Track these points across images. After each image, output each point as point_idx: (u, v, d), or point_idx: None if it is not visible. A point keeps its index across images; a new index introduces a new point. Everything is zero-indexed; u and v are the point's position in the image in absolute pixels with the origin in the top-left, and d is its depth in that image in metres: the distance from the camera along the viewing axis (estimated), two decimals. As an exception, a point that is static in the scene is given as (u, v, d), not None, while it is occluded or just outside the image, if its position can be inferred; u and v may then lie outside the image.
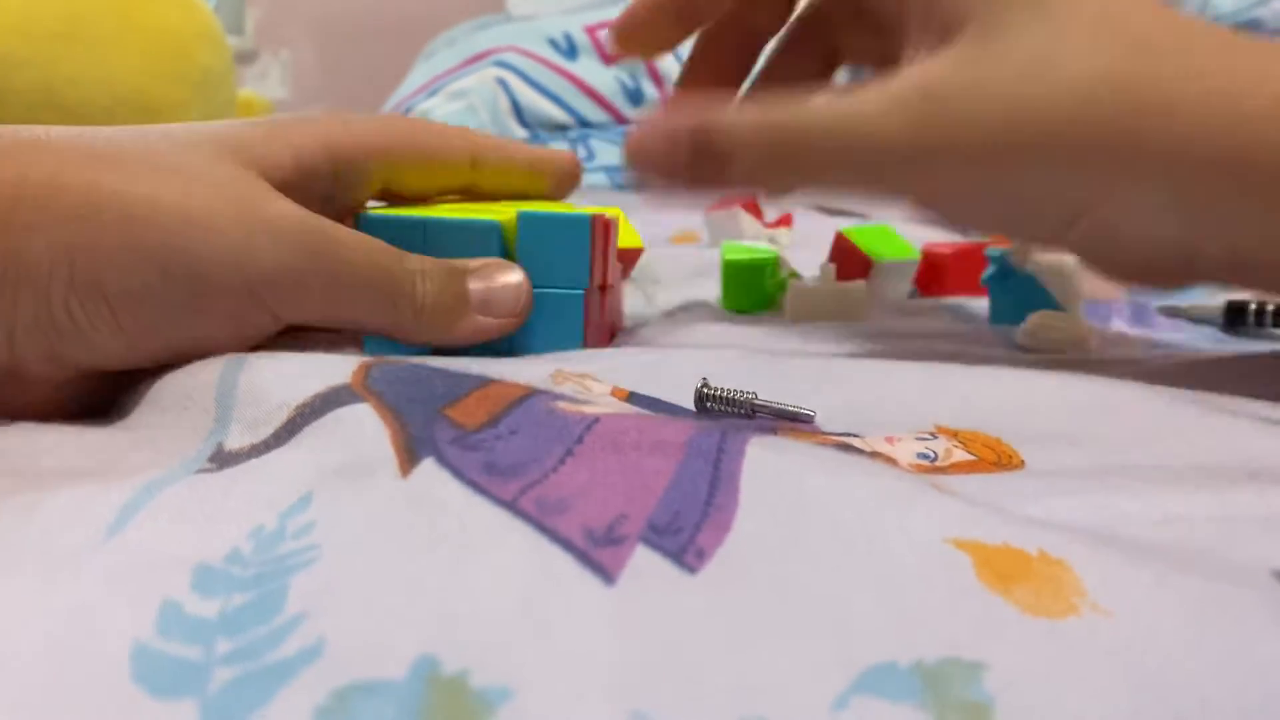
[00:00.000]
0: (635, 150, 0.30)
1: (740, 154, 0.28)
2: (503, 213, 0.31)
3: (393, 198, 0.32)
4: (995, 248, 0.39)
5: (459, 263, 0.29)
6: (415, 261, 0.28)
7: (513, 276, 0.29)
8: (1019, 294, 0.38)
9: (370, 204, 0.32)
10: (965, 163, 0.26)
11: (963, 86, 0.26)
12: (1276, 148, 0.24)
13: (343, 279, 0.26)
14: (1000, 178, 0.27)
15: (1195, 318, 0.39)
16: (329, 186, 0.29)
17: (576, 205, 0.33)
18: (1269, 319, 0.37)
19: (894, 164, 0.27)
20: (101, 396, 0.26)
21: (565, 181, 0.35)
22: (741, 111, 0.29)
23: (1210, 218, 0.26)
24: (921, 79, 0.27)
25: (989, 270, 0.38)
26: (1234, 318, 0.38)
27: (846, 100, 0.28)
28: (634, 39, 0.34)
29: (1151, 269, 0.28)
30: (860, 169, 0.28)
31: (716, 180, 0.29)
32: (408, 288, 0.28)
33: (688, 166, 0.29)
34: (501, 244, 0.30)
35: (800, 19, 0.34)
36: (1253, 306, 0.37)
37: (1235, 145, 0.25)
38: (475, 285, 0.29)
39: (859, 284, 0.39)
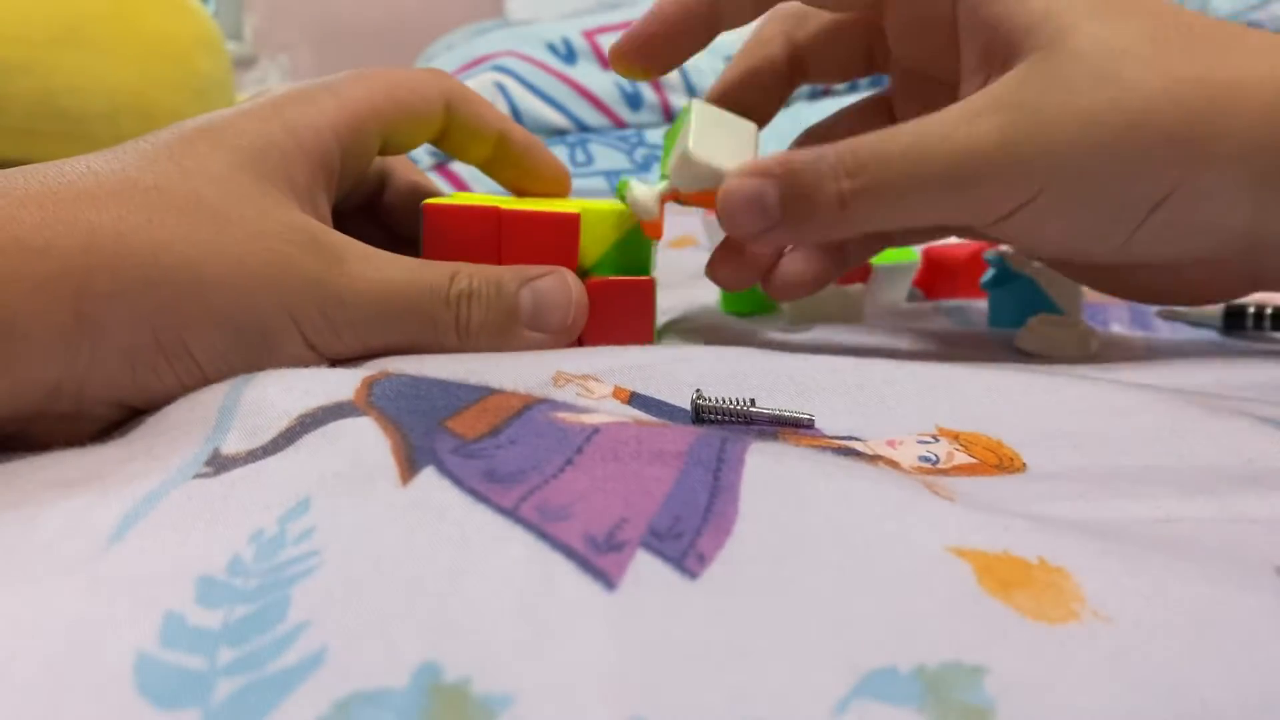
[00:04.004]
0: (724, 206, 0.29)
1: (827, 186, 0.28)
2: (569, 205, 0.31)
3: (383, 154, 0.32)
4: (995, 252, 0.39)
5: (518, 271, 0.29)
6: (465, 280, 0.28)
7: (568, 292, 0.29)
8: (1019, 297, 0.38)
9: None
10: (1050, 162, 0.27)
11: (1042, 93, 0.27)
12: None
13: (388, 317, 0.27)
14: (1081, 173, 0.27)
15: (1194, 321, 0.39)
16: (338, 165, 0.29)
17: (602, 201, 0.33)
18: (1267, 322, 0.37)
19: (981, 175, 0.28)
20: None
21: (556, 188, 0.35)
22: (823, 147, 0.29)
23: (1277, 203, 0.27)
24: (998, 94, 0.28)
25: (988, 274, 0.38)
26: (1232, 321, 0.38)
27: (927, 119, 0.28)
28: (647, 52, 0.34)
29: (1217, 264, 0.30)
30: (948, 184, 0.28)
31: (808, 218, 0.29)
32: (447, 321, 0.28)
33: (779, 210, 0.29)
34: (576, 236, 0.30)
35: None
36: (1251, 310, 0.37)
37: None
38: (527, 298, 0.29)
39: (858, 286, 0.39)
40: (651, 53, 0.33)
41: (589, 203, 0.32)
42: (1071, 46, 0.27)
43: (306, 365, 0.26)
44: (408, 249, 0.29)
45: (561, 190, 0.35)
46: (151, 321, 0.23)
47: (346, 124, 0.29)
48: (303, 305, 0.25)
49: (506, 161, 0.34)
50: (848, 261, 0.35)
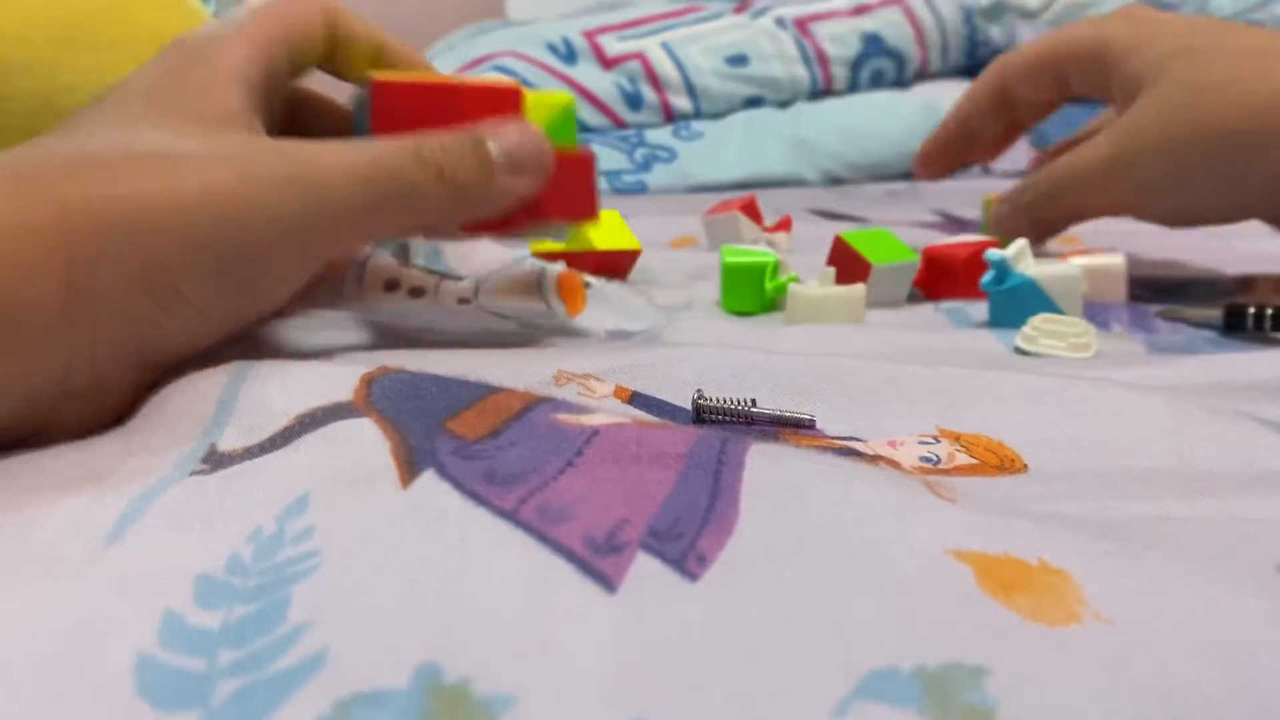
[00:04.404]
0: (995, 221, 0.49)
1: (1022, 197, 0.47)
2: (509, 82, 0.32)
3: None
4: (994, 251, 0.39)
5: (472, 129, 0.29)
6: (432, 144, 0.28)
7: (529, 131, 0.30)
8: (1019, 298, 0.37)
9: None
10: (1149, 159, 0.42)
11: (1142, 119, 0.42)
12: None
13: (371, 193, 0.27)
14: (1180, 162, 0.41)
15: (1194, 321, 0.39)
16: (262, 91, 0.30)
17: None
18: (1268, 322, 0.37)
19: (1103, 172, 0.43)
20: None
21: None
22: (1026, 179, 0.47)
23: None
24: (1114, 125, 0.43)
25: (988, 274, 0.38)
26: (1233, 321, 0.38)
27: (1078, 150, 0.44)
28: (937, 165, 0.54)
29: None
30: (1083, 182, 0.44)
31: (1023, 221, 0.47)
32: (429, 181, 0.28)
33: (1007, 220, 0.48)
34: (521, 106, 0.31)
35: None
36: (1251, 311, 0.37)
37: None
38: (496, 149, 0.29)
39: (858, 287, 0.39)
40: (941, 163, 0.54)
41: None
42: (1164, 85, 0.41)
43: (302, 275, 0.26)
44: None
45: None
46: (140, 276, 0.23)
47: (259, 52, 0.29)
48: (281, 207, 0.25)
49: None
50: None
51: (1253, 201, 0.41)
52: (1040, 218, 0.47)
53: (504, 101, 0.31)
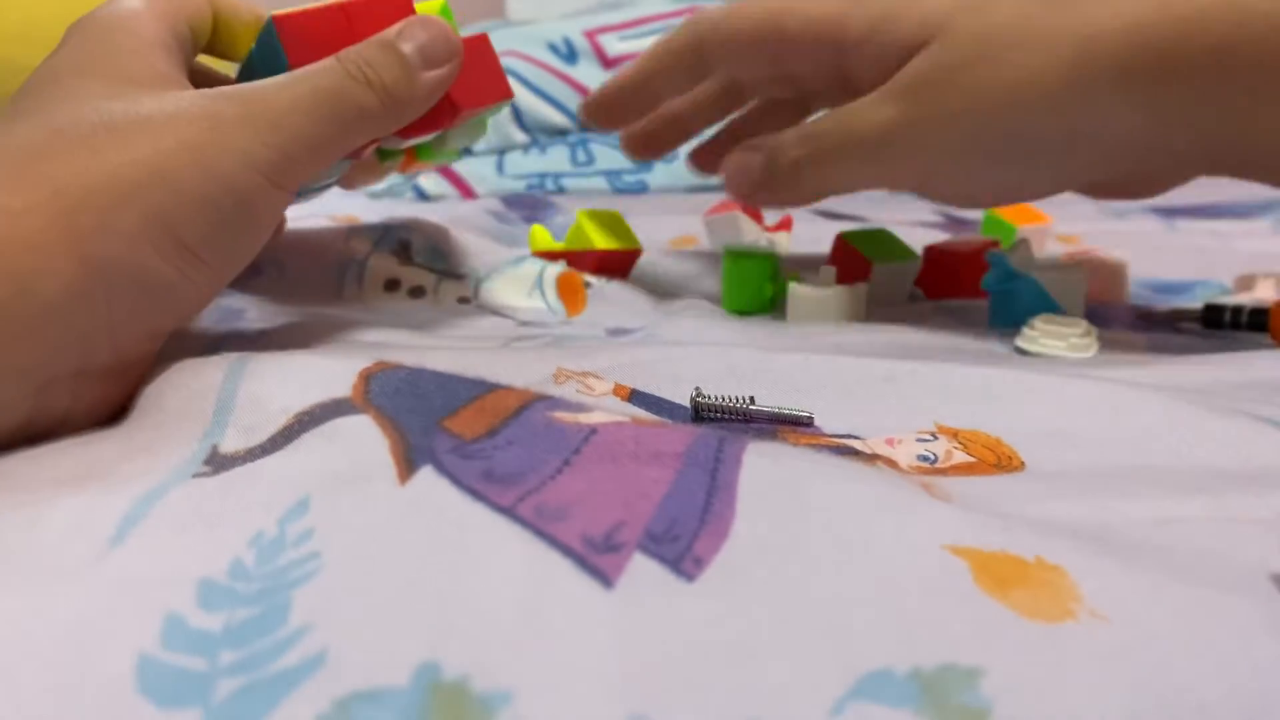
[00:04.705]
0: (728, 173, 0.39)
1: (788, 152, 0.37)
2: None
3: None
4: (996, 251, 0.39)
5: (381, 36, 0.30)
6: (353, 58, 0.29)
7: (433, 24, 0.31)
8: (1021, 298, 0.37)
9: None
10: (951, 126, 0.33)
11: (934, 77, 0.34)
12: (1198, 39, 0.30)
13: (314, 112, 0.28)
14: (983, 131, 0.33)
15: (1174, 320, 0.39)
16: (180, 53, 0.31)
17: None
18: (1245, 317, 0.37)
19: (893, 141, 0.34)
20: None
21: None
22: (786, 132, 0.38)
23: (1167, 110, 0.31)
24: (896, 82, 0.34)
25: (990, 274, 0.38)
26: (1211, 319, 0.38)
27: (847, 106, 0.36)
28: (603, 115, 0.43)
29: (1140, 179, 0.36)
30: (866, 152, 0.35)
31: (776, 180, 0.38)
32: (363, 92, 0.29)
33: (762, 179, 0.38)
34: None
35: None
36: (1229, 308, 0.38)
37: (1173, 42, 0.30)
38: (408, 47, 0.30)
39: (860, 286, 0.39)
40: (612, 116, 0.43)
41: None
42: (950, 38, 0.33)
43: (280, 208, 0.28)
44: None
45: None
46: (144, 234, 0.24)
47: (169, 24, 0.31)
48: (251, 148, 0.26)
49: None
50: None
51: (1062, 171, 0.35)
52: (802, 185, 0.38)
53: (397, 7, 0.32)
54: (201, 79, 0.35)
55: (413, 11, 0.32)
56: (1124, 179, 0.36)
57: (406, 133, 0.32)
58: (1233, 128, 0.32)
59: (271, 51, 0.32)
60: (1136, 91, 0.31)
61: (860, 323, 0.38)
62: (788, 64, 0.38)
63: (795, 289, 0.38)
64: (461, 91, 0.33)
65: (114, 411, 0.25)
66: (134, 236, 0.24)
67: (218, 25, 0.34)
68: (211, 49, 0.34)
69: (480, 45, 0.34)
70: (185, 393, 0.23)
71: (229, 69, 0.36)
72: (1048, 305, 0.37)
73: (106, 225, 0.24)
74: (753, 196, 0.39)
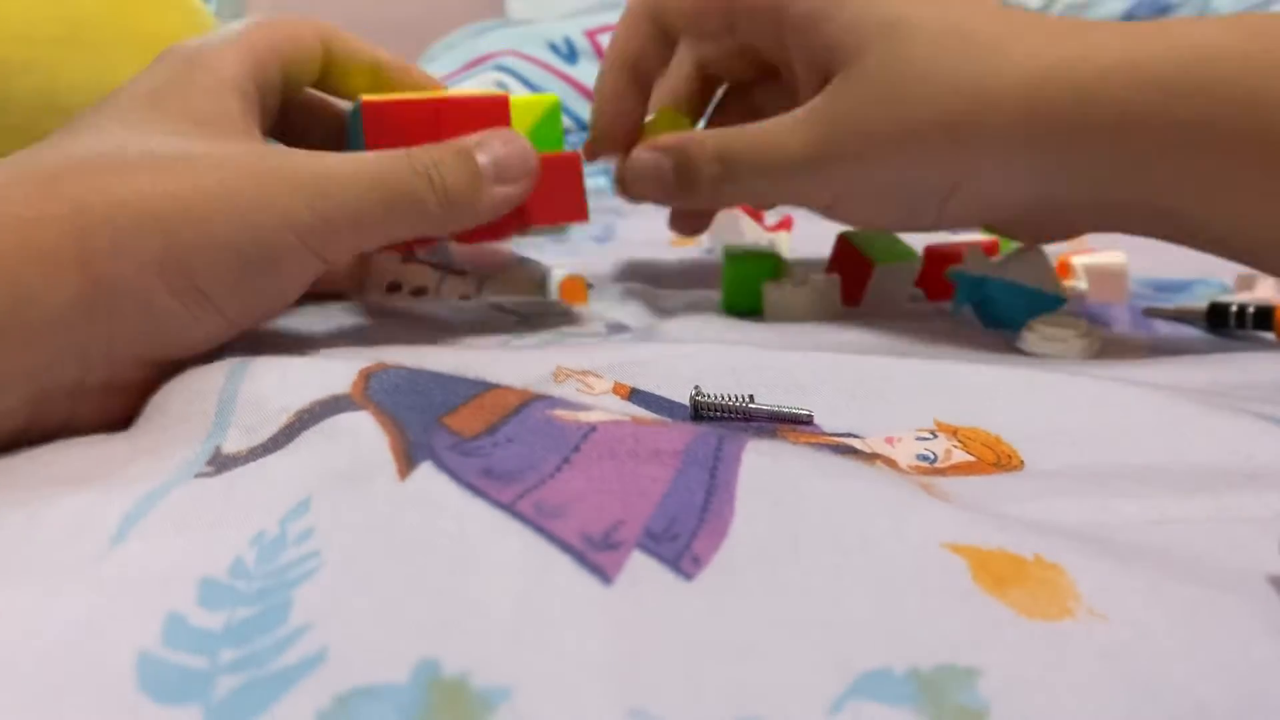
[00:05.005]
0: (629, 174, 0.38)
1: (704, 169, 0.36)
2: (489, 91, 0.33)
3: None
4: (954, 268, 0.38)
5: (460, 142, 0.30)
6: (423, 156, 0.29)
7: (515, 141, 0.31)
8: (999, 299, 0.37)
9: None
10: (850, 165, 0.34)
11: (841, 112, 0.34)
12: (1098, 104, 0.30)
13: (370, 198, 0.28)
14: (876, 173, 0.34)
15: (1180, 319, 0.39)
16: (258, 100, 0.31)
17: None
18: (1250, 320, 0.37)
19: (798, 171, 0.35)
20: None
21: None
22: (704, 136, 0.36)
23: (1054, 173, 0.32)
24: (812, 109, 0.34)
25: (958, 293, 0.38)
26: (1216, 319, 0.38)
27: (769, 126, 0.35)
28: (608, 141, 0.40)
29: (1026, 225, 0.36)
30: (776, 176, 0.35)
31: (692, 191, 0.36)
32: (424, 189, 0.29)
33: (674, 182, 0.37)
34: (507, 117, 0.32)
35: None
36: (1234, 309, 0.38)
37: (1071, 106, 0.30)
38: (483, 159, 0.30)
39: (832, 280, 0.39)
40: (616, 141, 0.40)
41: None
42: (861, 69, 0.33)
43: (310, 275, 0.27)
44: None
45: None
46: (158, 268, 0.24)
47: (257, 62, 0.30)
48: (293, 208, 0.26)
49: (386, 88, 0.35)
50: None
51: (944, 214, 0.34)
52: (719, 200, 0.38)
53: (491, 111, 0.32)
54: (308, 112, 0.35)
55: (506, 118, 0.32)
56: (1009, 224, 0.36)
57: (466, 238, 0.32)
58: (1124, 191, 0.32)
59: (356, 129, 0.32)
60: (1029, 152, 0.31)
61: (860, 323, 0.38)
62: (742, 32, 0.38)
63: (767, 287, 0.39)
64: (535, 205, 0.33)
65: (114, 425, 0.25)
66: (146, 266, 0.24)
67: (332, 63, 0.33)
68: (324, 86, 0.34)
69: (567, 163, 0.34)
70: (188, 396, 0.23)
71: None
72: (1026, 294, 0.37)
73: (120, 249, 0.23)
74: (667, 201, 0.39)
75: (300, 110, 0.35)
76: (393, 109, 0.31)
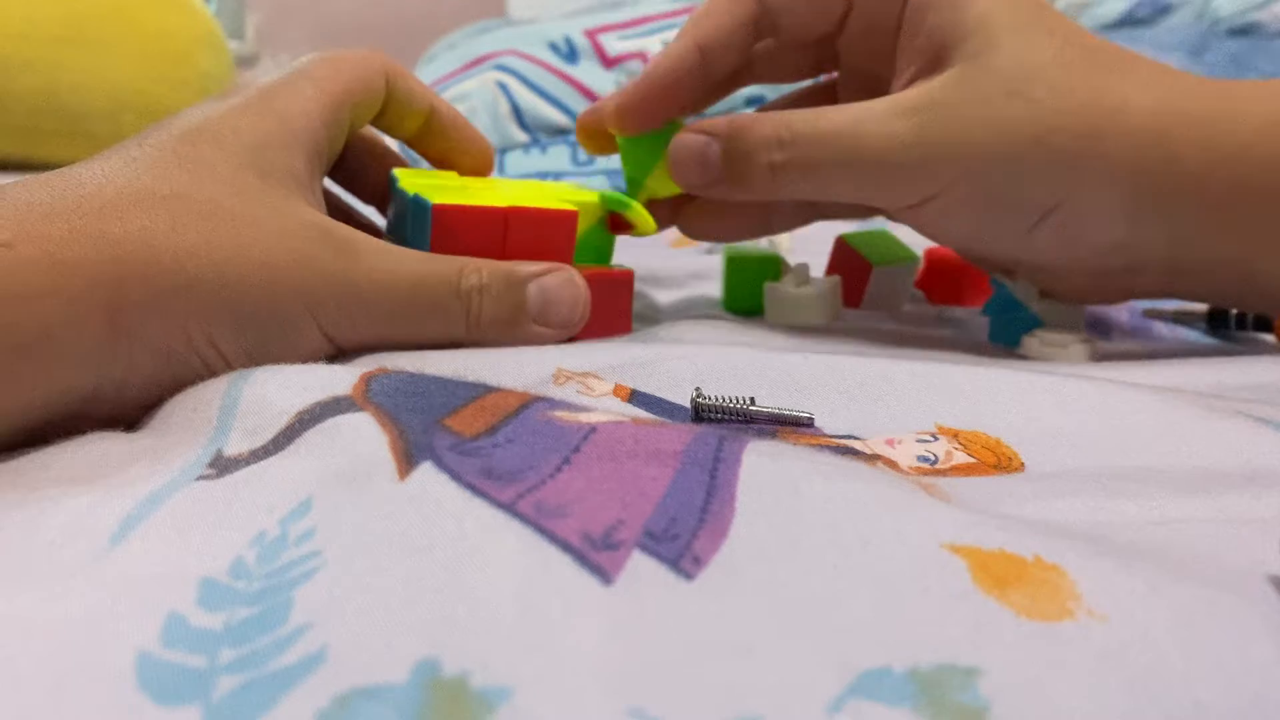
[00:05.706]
0: (674, 157, 0.34)
1: (760, 156, 0.32)
2: (562, 199, 0.32)
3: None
4: (1001, 277, 0.38)
5: (525, 267, 0.30)
6: (474, 276, 0.29)
7: (574, 288, 0.30)
8: (1019, 329, 0.37)
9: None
10: (957, 164, 0.31)
11: (960, 101, 0.30)
12: (1202, 160, 0.29)
13: (402, 308, 0.28)
14: (980, 175, 0.31)
15: (1180, 320, 0.39)
16: (326, 150, 0.30)
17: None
18: (1249, 323, 0.37)
19: (896, 166, 0.31)
20: None
21: (481, 163, 0.37)
22: (764, 116, 0.33)
23: (1150, 220, 0.30)
24: (922, 95, 0.31)
25: (992, 299, 0.38)
26: (1216, 320, 0.38)
27: (858, 108, 0.32)
28: (644, 112, 0.35)
29: (1100, 272, 0.33)
30: (860, 167, 0.31)
31: (743, 181, 0.33)
32: (458, 312, 0.29)
33: (723, 170, 0.33)
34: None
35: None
36: (1234, 311, 0.38)
37: (1170, 156, 0.29)
38: (534, 292, 0.30)
39: (833, 281, 0.39)
40: (649, 115, 0.35)
41: (562, 192, 0.34)
42: (992, 60, 0.30)
43: (322, 354, 0.27)
44: (370, 203, 0.32)
45: (485, 164, 0.36)
46: (183, 324, 0.24)
47: (329, 108, 0.30)
48: (322, 299, 0.26)
49: (434, 136, 0.35)
50: (771, 227, 0.39)
51: (1041, 241, 0.32)
52: (776, 190, 0.33)
53: (560, 224, 0.31)
54: (364, 149, 0.35)
55: (573, 232, 0.32)
56: (1075, 271, 0.33)
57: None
58: (1231, 248, 0.30)
59: (419, 222, 0.31)
60: (1138, 191, 0.30)
61: (860, 324, 0.38)
62: (858, 8, 0.34)
63: (768, 288, 0.39)
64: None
65: (122, 423, 0.25)
66: (173, 323, 0.24)
67: (391, 103, 0.33)
68: (378, 123, 0.34)
69: (619, 282, 0.33)
70: (191, 401, 0.23)
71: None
72: None
73: (151, 308, 0.23)
74: (707, 190, 0.34)
75: (356, 146, 0.35)
76: (462, 215, 0.31)
